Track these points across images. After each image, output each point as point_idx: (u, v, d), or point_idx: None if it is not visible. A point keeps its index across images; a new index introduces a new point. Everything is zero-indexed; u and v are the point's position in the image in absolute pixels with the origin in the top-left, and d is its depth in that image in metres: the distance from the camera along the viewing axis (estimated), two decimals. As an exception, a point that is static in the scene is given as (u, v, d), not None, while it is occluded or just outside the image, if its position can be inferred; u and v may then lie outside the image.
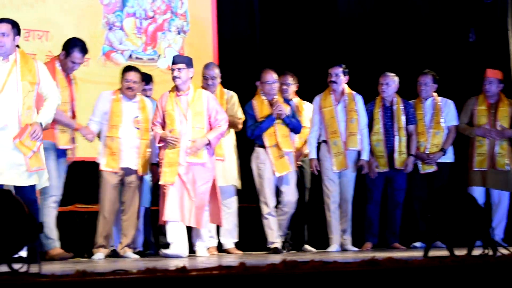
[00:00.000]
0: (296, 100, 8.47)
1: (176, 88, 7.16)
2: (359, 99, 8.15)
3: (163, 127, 7.10)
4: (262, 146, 7.75)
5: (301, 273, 3.49)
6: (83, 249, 7.64)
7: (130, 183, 7.36)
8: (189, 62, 7.16)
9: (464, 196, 4.87)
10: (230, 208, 7.91)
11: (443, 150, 8.38)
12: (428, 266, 3.76)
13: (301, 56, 9.94)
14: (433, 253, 4.76)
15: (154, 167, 7.57)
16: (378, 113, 8.32)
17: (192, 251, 7.15)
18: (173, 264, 4.97)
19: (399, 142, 8.26)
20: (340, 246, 8.04)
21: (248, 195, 8.28)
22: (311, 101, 8.26)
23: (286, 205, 7.85)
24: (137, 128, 7.36)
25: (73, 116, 7.16)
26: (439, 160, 8.38)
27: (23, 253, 3.93)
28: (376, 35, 10.10)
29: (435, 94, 8.53)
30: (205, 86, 7.68)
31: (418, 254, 5.40)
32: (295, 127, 7.85)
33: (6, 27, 6.17)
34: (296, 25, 10.26)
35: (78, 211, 8.17)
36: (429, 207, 4.76)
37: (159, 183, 7.00)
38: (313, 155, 8.07)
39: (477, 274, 3.79)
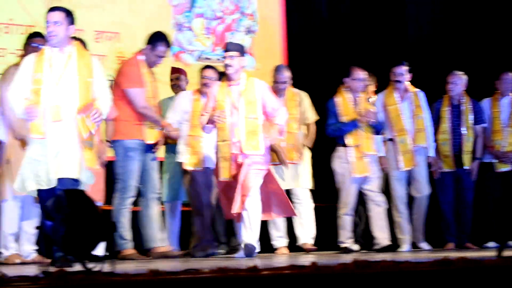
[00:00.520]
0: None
1: (227, 78, 6.81)
2: (422, 96, 8.04)
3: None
4: (344, 145, 7.66)
5: (373, 272, 3.47)
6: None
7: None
8: (242, 50, 6.85)
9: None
10: (306, 208, 7.82)
11: (520, 149, 8.22)
12: (502, 266, 3.70)
13: (368, 54, 9.84)
14: (507, 252, 4.68)
15: None
16: (445, 112, 8.20)
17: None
18: (244, 263, 4.99)
19: (467, 142, 8.15)
20: (412, 245, 7.95)
21: (320, 194, 8.19)
22: None
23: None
24: None
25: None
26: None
27: (97, 252, 3.98)
28: (452, 33, 9.97)
29: (512, 92, 8.38)
30: (276, 90, 7.55)
31: (491, 254, 5.31)
32: (377, 128, 7.75)
33: (59, 16, 5.64)
34: (363, 22, 10.19)
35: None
36: (504, 207, 4.69)
37: (218, 179, 6.77)
38: (382, 152, 7.97)
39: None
